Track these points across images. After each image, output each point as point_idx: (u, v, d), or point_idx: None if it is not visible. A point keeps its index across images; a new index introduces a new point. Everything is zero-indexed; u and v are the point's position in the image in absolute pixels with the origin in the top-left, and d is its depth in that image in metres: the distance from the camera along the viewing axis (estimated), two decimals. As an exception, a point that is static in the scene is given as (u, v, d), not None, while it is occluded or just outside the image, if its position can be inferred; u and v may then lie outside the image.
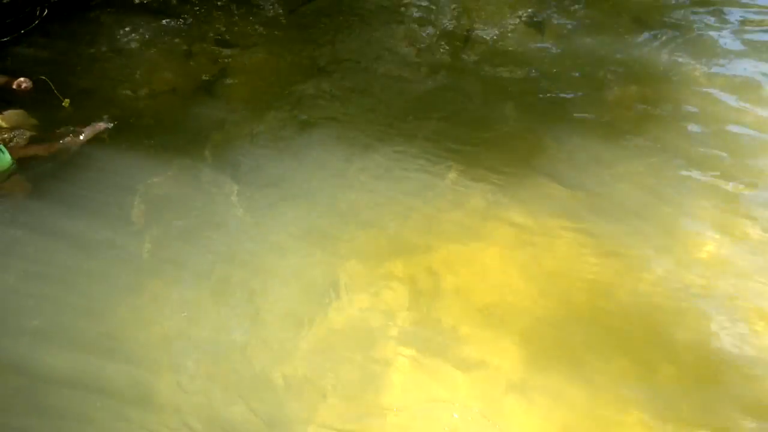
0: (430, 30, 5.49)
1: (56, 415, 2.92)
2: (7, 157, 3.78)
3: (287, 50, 5.26)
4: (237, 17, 5.53)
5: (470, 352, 3.21)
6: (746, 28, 5.55)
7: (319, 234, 3.77)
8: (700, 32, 5.50)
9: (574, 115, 4.72)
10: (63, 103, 4.37)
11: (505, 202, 4.00)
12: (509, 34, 5.40)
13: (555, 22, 5.54)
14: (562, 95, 4.92)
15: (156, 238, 3.68)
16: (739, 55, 5.30)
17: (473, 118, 4.69)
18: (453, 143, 4.43)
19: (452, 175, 4.18)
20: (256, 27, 5.47)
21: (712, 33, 5.42)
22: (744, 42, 5.41)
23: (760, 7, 5.68)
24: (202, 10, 5.57)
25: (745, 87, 5.01)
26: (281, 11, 5.59)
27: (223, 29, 5.42)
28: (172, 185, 4.01)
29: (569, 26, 5.53)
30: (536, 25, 5.51)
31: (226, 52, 5.21)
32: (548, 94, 4.91)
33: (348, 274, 3.54)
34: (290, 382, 3.05)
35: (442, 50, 5.29)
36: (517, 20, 5.55)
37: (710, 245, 3.78)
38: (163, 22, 5.42)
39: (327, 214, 3.88)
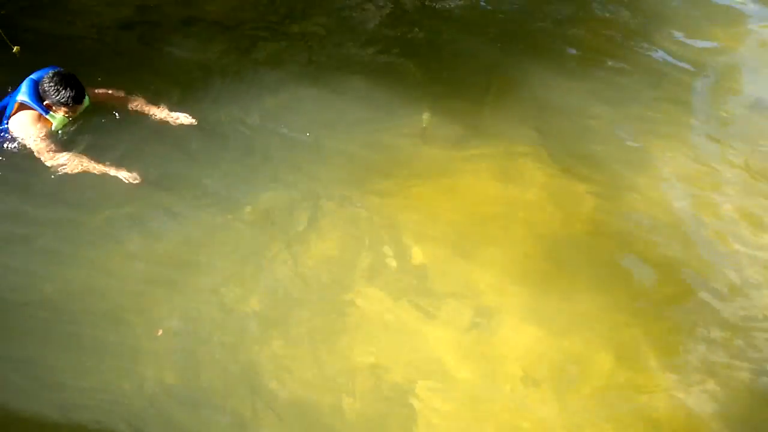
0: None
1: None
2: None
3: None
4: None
5: (442, 285, 3.24)
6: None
7: (288, 168, 3.72)
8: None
9: (547, 49, 4.71)
10: (13, 51, 4.17)
11: (476, 138, 3.99)
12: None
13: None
14: (534, 30, 4.89)
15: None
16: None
17: (443, 54, 4.64)
18: (422, 80, 4.38)
19: (423, 112, 4.14)
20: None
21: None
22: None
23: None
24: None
25: (725, 21, 5.00)
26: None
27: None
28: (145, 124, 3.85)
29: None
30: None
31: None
32: (519, 28, 4.88)
33: (318, 210, 3.51)
34: (261, 323, 3.04)
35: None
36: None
37: (680, 177, 3.87)
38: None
39: (297, 149, 3.82)
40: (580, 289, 3.24)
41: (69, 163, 3.54)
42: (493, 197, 3.66)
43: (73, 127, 3.72)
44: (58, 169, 3.52)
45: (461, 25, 4.92)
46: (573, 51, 4.77)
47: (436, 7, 5.10)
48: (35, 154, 3.55)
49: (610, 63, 4.66)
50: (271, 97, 4.13)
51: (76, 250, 3.24)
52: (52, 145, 3.59)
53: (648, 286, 3.28)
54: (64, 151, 3.59)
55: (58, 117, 3.64)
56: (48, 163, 3.54)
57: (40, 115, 3.61)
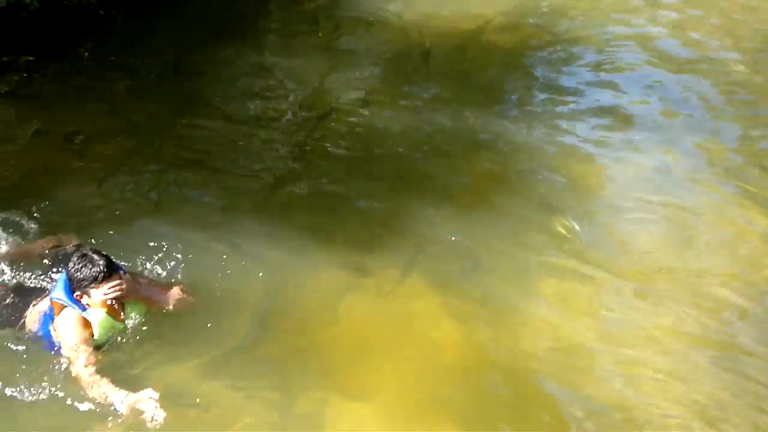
0: (284, 108, 5.68)
1: None
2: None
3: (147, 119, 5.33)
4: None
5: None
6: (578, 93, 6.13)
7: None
8: (541, 101, 6.05)
9: (428, 189, 4.85)
10: None
11: (360, 277, 4.02)
12: (357, 112, 5.66)
13: (405, 98, 5.89)
14: (417, 170, 5.07)
15: None
16: (577, 119, 5.83)
17: (328, 197, 4.77)
18: (307, 222, 4.42)
19: (309, 255, 4.12)
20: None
21: (553, 105, 5.92)
22: (580, 107, 5.95)
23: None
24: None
25: (586, 151, 5.42)
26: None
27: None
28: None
29: (418, 101, 5.88)
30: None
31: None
32: (401, 169, 5.06)
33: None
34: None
35: (294, 130, 5.43)
36: (365, 96, 5.84)
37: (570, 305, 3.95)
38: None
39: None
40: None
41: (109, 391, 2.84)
42: (383, 342, 3.62)
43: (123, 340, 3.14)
44: (91, 389, 2.86)
45: (347, 166, 5.07)
46: (457, 185, 4.93)
47: (328, 148, 5.27)
48: (71, 365, 2.92)
49: (494, 199, 4.79)
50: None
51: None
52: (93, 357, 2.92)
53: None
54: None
55: (98, 316, 3.00)
56: (83, 377, 2.87)
57: (82, 317, 2.98)
